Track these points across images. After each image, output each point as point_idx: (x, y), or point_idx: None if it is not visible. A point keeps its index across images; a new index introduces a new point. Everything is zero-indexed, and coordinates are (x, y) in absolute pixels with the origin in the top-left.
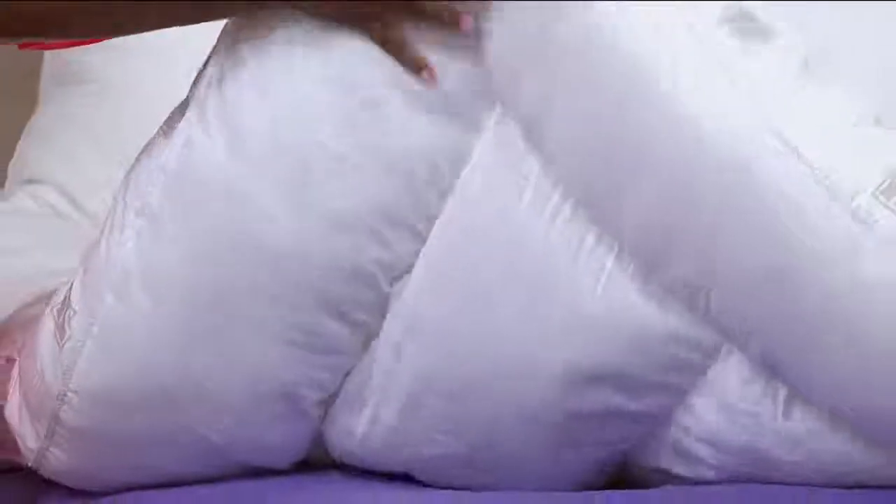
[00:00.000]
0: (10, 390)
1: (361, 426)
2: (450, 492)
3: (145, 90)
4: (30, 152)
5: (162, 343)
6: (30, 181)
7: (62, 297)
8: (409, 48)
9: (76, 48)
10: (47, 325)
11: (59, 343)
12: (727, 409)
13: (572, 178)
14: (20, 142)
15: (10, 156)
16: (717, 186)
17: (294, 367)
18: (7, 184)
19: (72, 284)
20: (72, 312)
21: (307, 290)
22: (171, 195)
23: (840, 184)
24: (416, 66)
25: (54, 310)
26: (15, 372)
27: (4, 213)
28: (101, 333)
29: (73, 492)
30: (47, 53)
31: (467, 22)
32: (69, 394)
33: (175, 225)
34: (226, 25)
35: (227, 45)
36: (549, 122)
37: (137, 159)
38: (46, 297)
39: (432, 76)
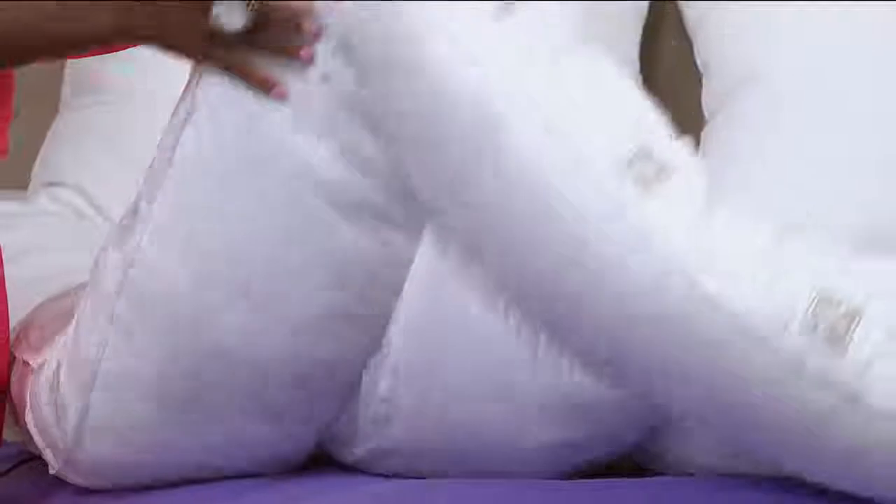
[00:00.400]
0: (27, 404)
1: (353, 456)
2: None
3: (160, 99)
4: (52, 156)
5: (147, 430)
6: (52, 184)
7: (51, 372)
8: (253, 71)
9: (94, 57)
10: (42, 392)
11: (56, 420)
12: None
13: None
14: (43, 146)
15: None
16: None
17: (272, 436)
18: (31, 186)
19: (57, 362)
20: (63, 399)
21: (279, 384)
22: (137, 309)
23: (766, 323)
24: (265, 88)
25: (46, 381)
26: (27, 397)
27: (28, 214)
28: (93, 417)
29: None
30: (69, 61)
31: (308, 53)
32: (77, 451)
33: (144, 338)
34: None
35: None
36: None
37: (103, 248)
38: (64, 296)
39: (281, 94)
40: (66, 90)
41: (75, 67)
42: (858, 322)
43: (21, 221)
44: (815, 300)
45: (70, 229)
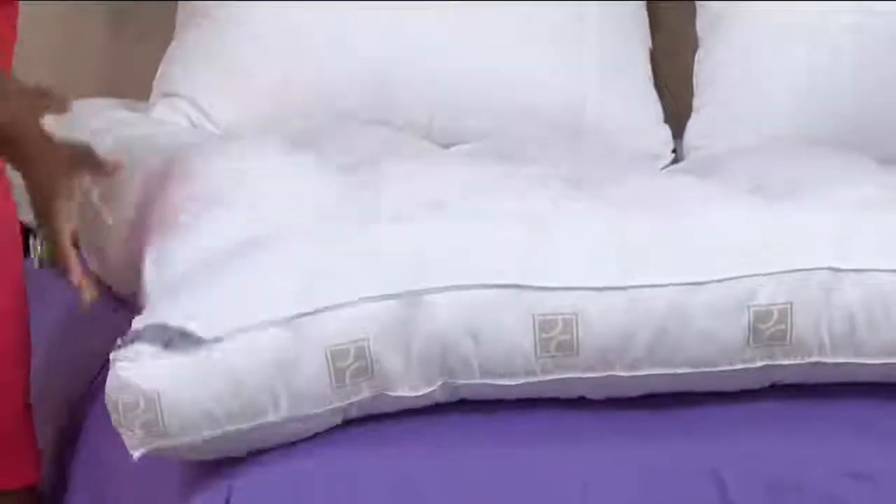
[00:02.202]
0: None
1: None
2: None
3: (262, 21)
4: (168, 70)
5: None
6: (167, 94)
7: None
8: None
9: None
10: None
11: None
12: None
13: None
14: (162, 62)
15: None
16: None
17: None
18: (152, 97)
19: None
20: None
21: None
22: None
23: None
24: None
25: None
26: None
27: (149, 120)
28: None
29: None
30: None
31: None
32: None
33: None
34: None
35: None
36: None
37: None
38: None
39: (84, 301)
40: (180, 15)
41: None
42: None
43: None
44: None
45: (183, 135)
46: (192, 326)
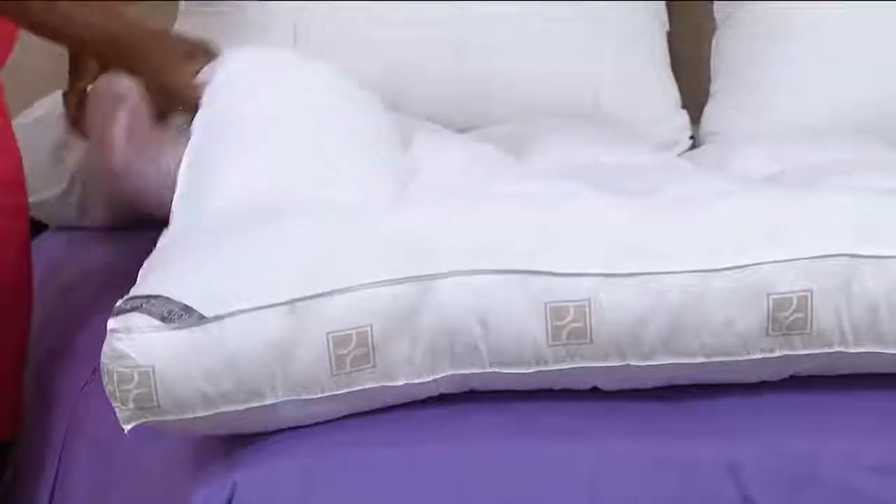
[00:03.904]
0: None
1: None
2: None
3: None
4: None
5: None
6: None
7: None
8: None
9: None
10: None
11: None
12: None
13: None
14: None
15: None
16: None
17: None
18: None
19: None
20: None
21: None
22: None
23: None
24: None
25: None
26: None
27: None
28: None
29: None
30: None
31: None
32: None
33: None
34: None
35: None
36: None
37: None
38: None
39: None
40: (182, 4)
41: None
42: None
43: None
44: None
45: None
46: (194, 303)
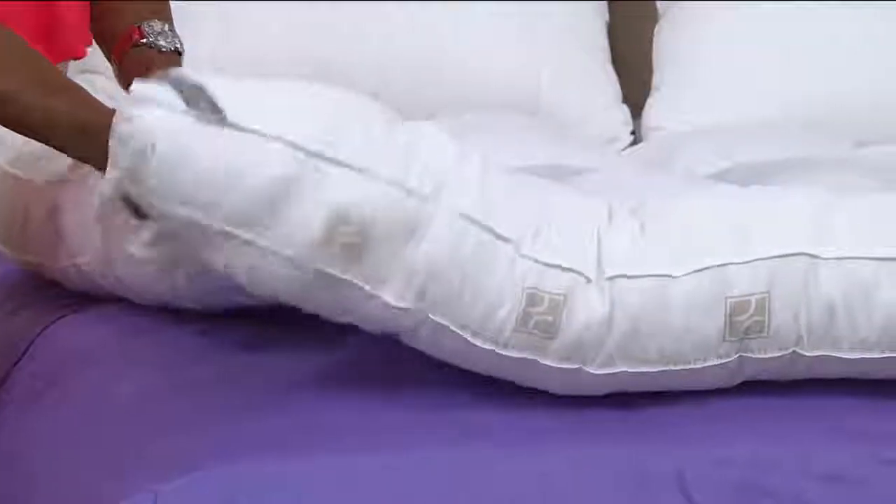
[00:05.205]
0: None
1: None
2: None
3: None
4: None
5: None
6: (84, 71)
7: None
8: None
9: None
10: None
11: None
12: None
13: None
14: None
15: None
16: None
17: None
18: (69, 73)
19: None
20: None
21: None
22: None
23: None
24: None
25: None
26: None
27: None
28: None
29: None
30: None
31: None
32: None
33: None
34: None
35: None
36: None
37: None
38: None
39: None
40: None
41: None
42: None
43: None
44: None
45: None
46: (225, 106)
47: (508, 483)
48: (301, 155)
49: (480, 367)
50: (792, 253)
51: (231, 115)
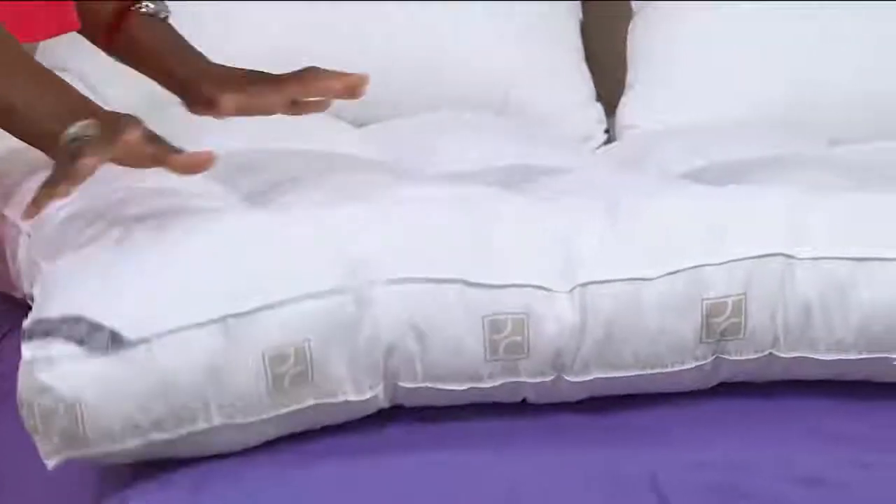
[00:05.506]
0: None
1: None
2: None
3: None
4: (54, 46)
5: None
6: (55, 68)
7: None
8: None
9: None
10: None
11: None
12: None
13: None
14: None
15: None
16: None
17: None
18: None
19: None
20: None
21: None
22: None
23: None
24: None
25: None
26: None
27: None
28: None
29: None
30: None
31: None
32: None
33: None
34: None
35: None
36: None
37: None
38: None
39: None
40: None
41: None
42: None
43: None
44: None
45: None
46: (116, 324)
47: (481, 487)
48: (214, 333)
49: (464, 401)
50: (768, 253)
51: (130, 331)
